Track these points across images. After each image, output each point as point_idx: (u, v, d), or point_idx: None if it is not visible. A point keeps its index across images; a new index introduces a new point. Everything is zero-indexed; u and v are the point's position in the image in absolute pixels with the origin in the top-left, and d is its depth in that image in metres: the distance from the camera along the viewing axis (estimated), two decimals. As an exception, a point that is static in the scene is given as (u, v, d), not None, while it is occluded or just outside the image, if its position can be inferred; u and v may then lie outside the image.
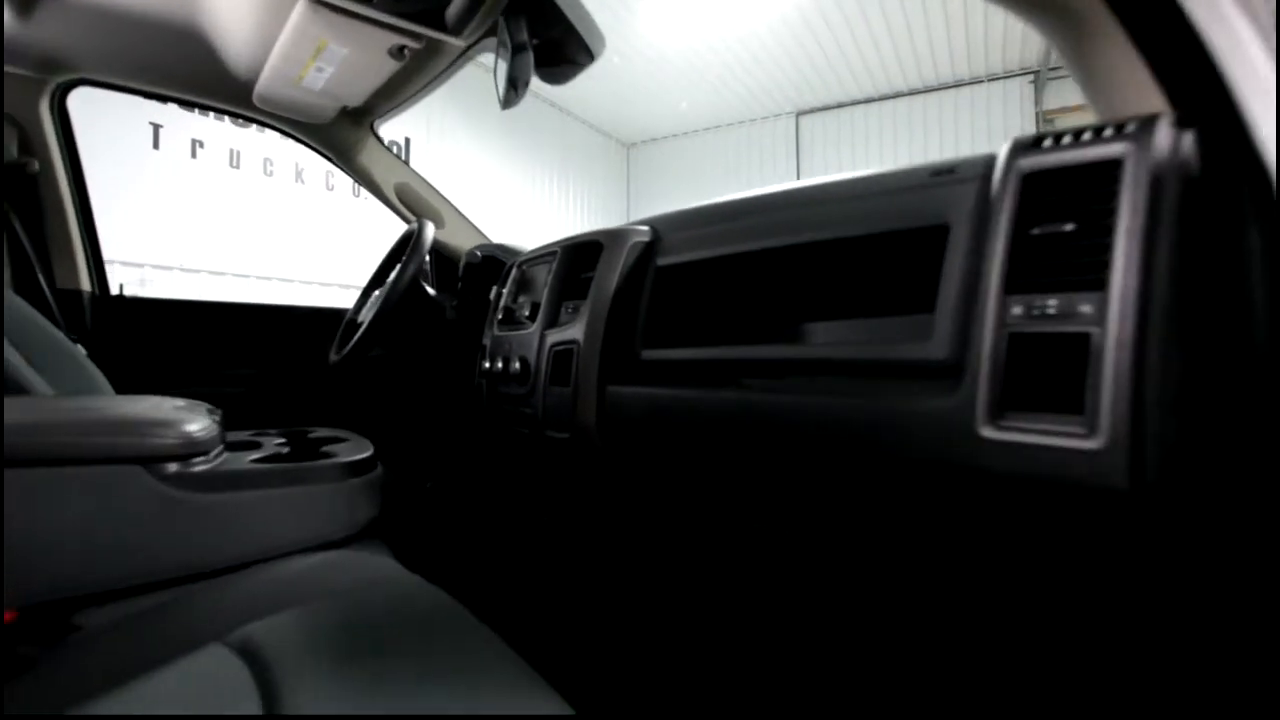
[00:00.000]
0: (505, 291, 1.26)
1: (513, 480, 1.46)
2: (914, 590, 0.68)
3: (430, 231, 1.40)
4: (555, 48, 1.20)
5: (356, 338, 1.35)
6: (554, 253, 1.11)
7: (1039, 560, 0.55)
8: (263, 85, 1.42)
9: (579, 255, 1.07)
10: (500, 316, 1.19)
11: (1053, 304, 0.50)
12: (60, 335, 1.34)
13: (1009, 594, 0.60)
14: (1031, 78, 6.38)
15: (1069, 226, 0.50)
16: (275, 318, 1.78)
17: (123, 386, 1.47)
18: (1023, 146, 0.57)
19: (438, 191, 1.79)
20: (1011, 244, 0.53)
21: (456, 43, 1.25)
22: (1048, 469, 0.49)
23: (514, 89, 1.20)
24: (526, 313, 1.09)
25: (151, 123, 4.04)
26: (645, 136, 8.85)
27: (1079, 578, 0.54)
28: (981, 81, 6.74)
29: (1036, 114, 6.30)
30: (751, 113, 7.99)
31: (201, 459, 0.75)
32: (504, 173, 6.98)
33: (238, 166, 4.46)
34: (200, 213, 4.26)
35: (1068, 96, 6.19)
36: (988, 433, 0.52)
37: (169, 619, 0.65)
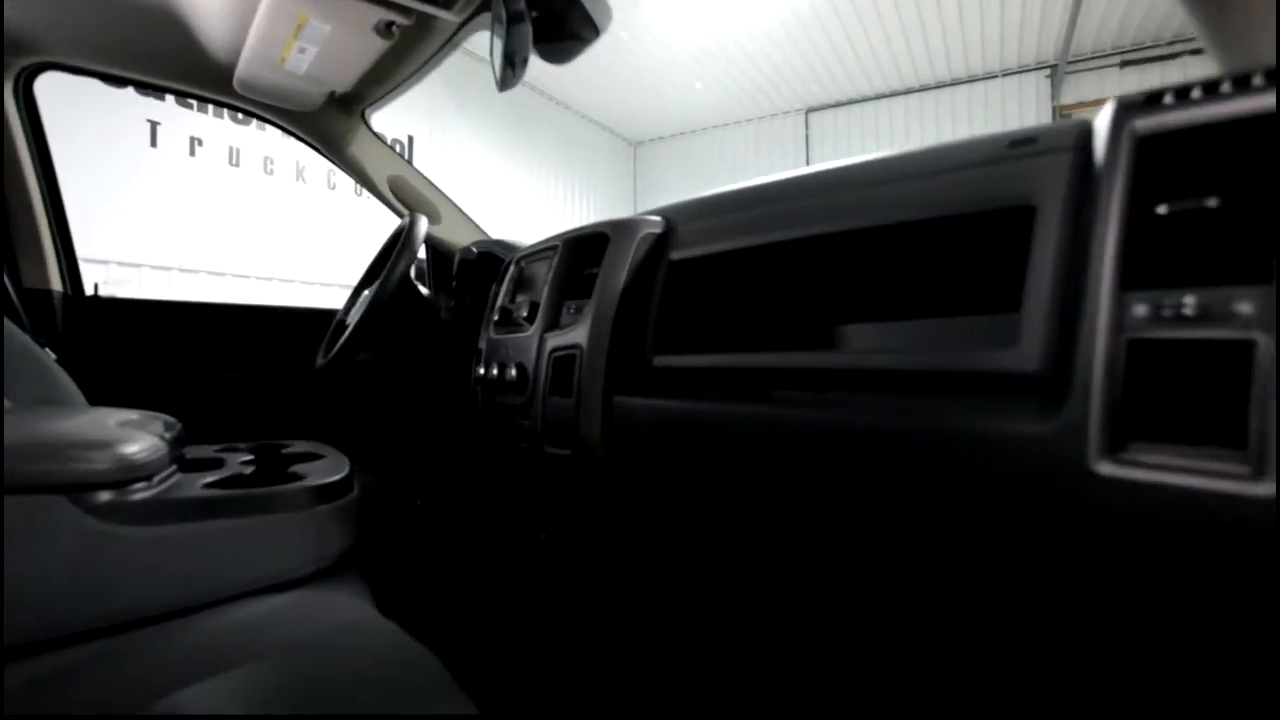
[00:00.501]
0: (502, 290, 1.15)
1: (509, 500, 1.35)
2: (982, 651, 0.56)
3: (423, 226, 1.29)
4: (556, 21, 1.09)
5: (342, 341, 1.24)
6: (555, 247, 1.01)
7: (1168, 627, 0.43)
8: (243, 69, 1.32)
9: (582, 249, 0.96)
10: (497, 318, 1.09)
11: (1191, 301, 0.38)
12: (25, 339, 1.24)
13: (1124, 664, 0.48)
14: (1048, 72, 6.23)
15: (1212, 202, 0.39)
16: (262, 319, 1.68)
17: (96, 393, 1.37)
18: (1132, 106, 0.45)
19: (434, 185, 1.68)
20: (1128, 226, 0.42)
21: (449, 18, 1.14)
22: (1192, 518, 0.37)
23: (511, 68, 1.09)
24: (525, 314, 0.98)
25: (149, 120, 3.96)
26: (652, 134, 8.74)
27: (1223, 645, 0.42)
28: (996, 76, 6.59)
29: (1053, 109, 6.15)
30: (760, 110, 7.87)
31: (142, 485, 0.65)
32: (508, 172, 6.88)
33: (237, 165, 4.37)
34: (199, 212, 4.17)
35: (1085, 91, 6.04)
36: (1105, 469, 0.40)
37: (90, 680, 0.54)
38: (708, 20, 5.80)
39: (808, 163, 7.87)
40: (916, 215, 0.56)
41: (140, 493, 0.65)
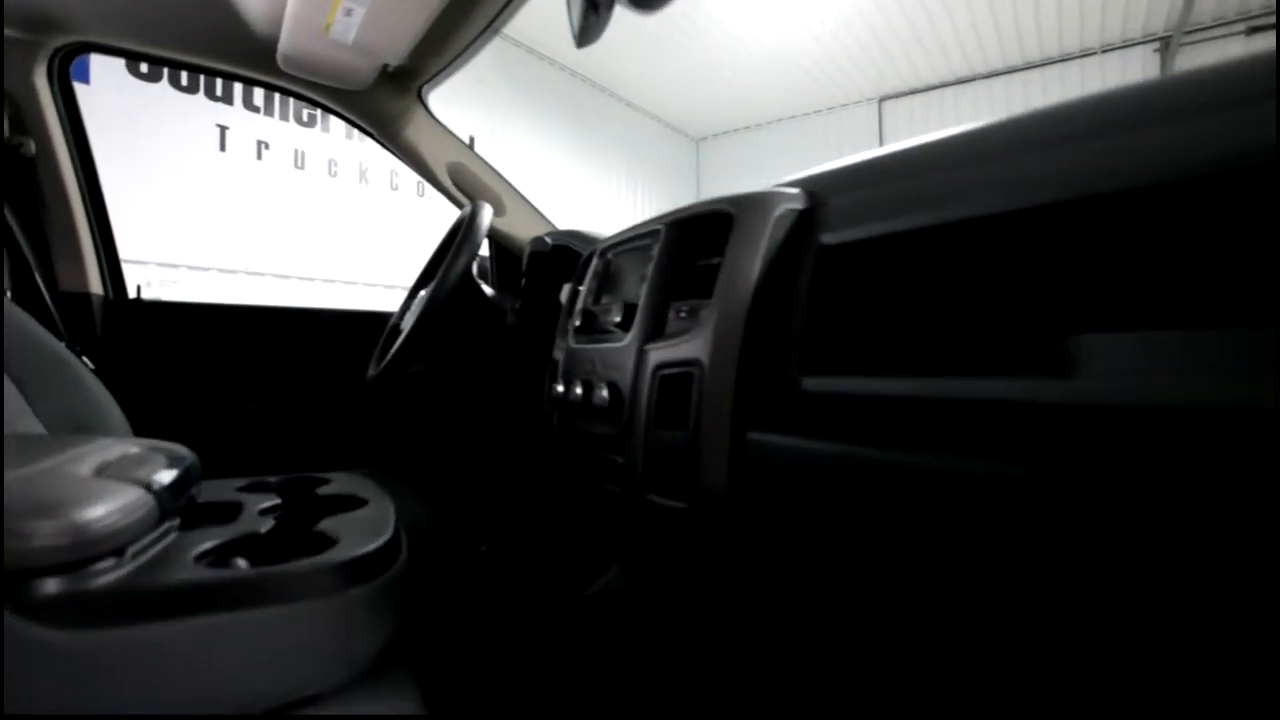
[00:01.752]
0: (584, 289, 0.94)
1: (599, 553, 1.14)
2: None
3: (487, 215, 1.10)
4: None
5: (395, 349, 1.06)
6: (655, 232, 0.79)
7: None
8: (286, 42, 1.16)
9: (694, 234, 0.74)
10: (577, 323, 0.88)
11: None
12: (58, 347, 1.11)
13: None
14: (1156, 45, 5.63)
15: None
16: (313, 323, 1.53)
17: (134, 404, 1.24)
18: None
19: (497, 173, 1.50)
20: None
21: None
22: None
23: (594, 12, 0.88)
24: (616, 319, 0.77)
25: (218, 125, 3.98)
26: (715, 130, 8.46)
27: None
28: (1094, 54, 6.02)
29: (1163, 86, 5.54)
30: (831, 100, 7.49)
31: (109, 563, 0.46)
32: (571, 171, 6.75)
33: (302, 167, 4.37)
34: (265, 215, 4.18)
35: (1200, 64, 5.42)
36: None
37: None
38: (780, 8, 5.50)
39: (880, 154, 7.42)
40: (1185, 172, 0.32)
41: (105, 575, 0.46)
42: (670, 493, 0.67)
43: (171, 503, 0.57)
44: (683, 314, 0.70)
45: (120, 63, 3.59)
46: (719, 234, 0.69)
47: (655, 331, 0.73)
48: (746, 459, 0.61)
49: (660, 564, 0.83)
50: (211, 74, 1.30)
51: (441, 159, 1.44)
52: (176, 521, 0.59)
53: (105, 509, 0.47)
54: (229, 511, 0.68)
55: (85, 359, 1.24)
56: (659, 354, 0.70)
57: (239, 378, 1.43)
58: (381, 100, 1.35)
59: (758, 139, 8.27)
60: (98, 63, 3.49)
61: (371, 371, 1.15)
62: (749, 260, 0.64)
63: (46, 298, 1.21)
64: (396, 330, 1.25)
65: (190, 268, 3.85)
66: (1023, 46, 6.12)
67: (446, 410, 1.44)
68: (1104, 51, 5.97)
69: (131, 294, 1.38)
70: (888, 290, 0.57)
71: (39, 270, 1.21)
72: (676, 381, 0.66)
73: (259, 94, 4.15)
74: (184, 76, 3.82)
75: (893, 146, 0.63)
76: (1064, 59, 6.20)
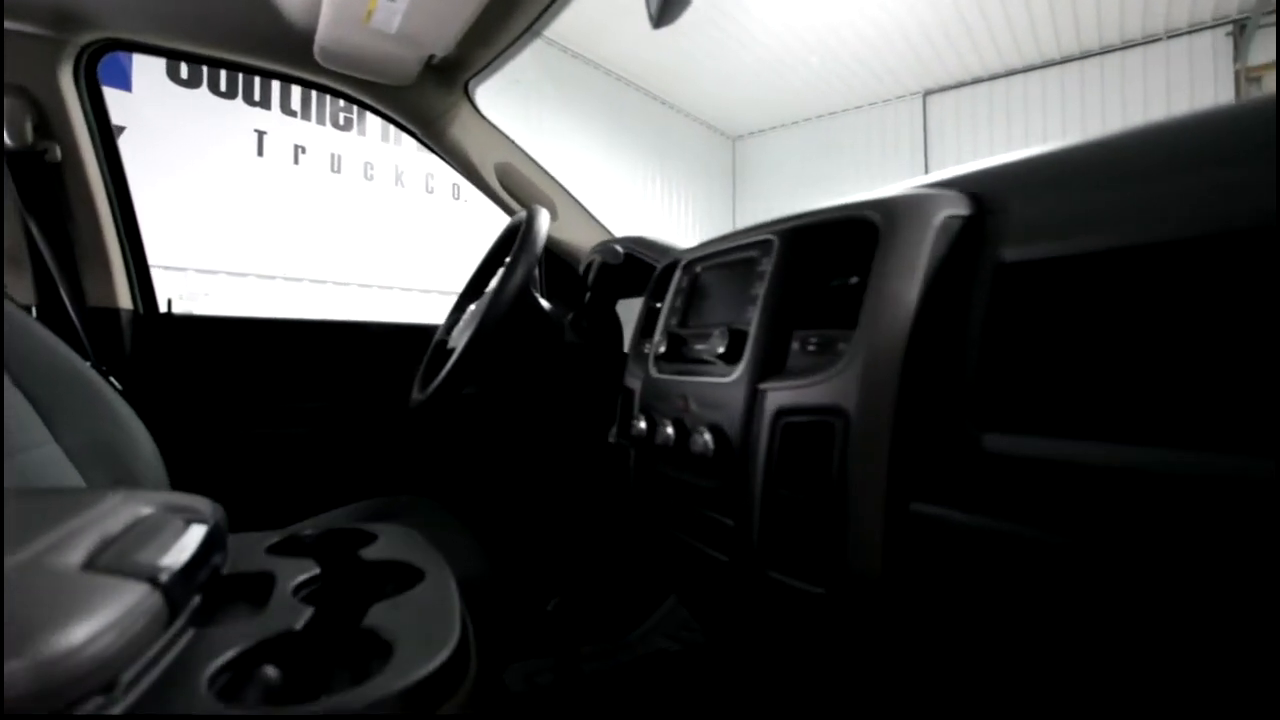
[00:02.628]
0: (666, 307, 0.81)
1: (655, 581, 1.01)
2: None
3: (545, 221, 0.98)
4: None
5: (446, 371, 0.94)
6: (765, 243, 0.65)
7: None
8: (324, 33, 1.05)
9: (820, 247, 0.60)
10: (662, 350, 0.75)
11: None
12: (83, 368, 1.02)
13: None
14: (1229, 29, 5.29)
15: None
16: (352, 337, 1.43)
17: (165, 427, 1.15)
18: None
19: (548, 174, 1.38)
20: None
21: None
22: None
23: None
24: (719, 347, 0.63)
25: (256, 129, 3.96)
26: (752, 128, 8.28)
27: None
28: (1159, 39, 5.69)
29: (1236, 72, 5.21)
30: (872, 95, 7.25)
31: (95, 702, 0.35)
32: (604, 171, 6.64)
33: (339, 171, 4.33)
34: (301, 220, 4.15)
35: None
36: None
37: None
38: (821, 1, 5.32)
39: (925, 151, 7.18)
40: None
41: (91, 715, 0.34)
42: (800, 572, 0.53)
43: (186, 594, 0.45)
44: (811, 347, 0.57)
45: (160, 69, 3.58)
46: (855, 246, 0.55)
47: (773, 367, 0.59)
48: (908, 536, 0.48)
49: (765, 639, 0.69)
50: (246, 70, 1.21)
51: (489, 159, 1.32)
52: (189, 620, 0.47)
53: (93, 628, 0.35)
54: (259, 588, 0.56)
55: (113, 379, 1.16)
56: (782, 396, 0.56)
57: (275, 397, 1.34)
58: (425, 96, 1.24)
59: (796, 136, 8.05)
60: (139, 70, 3.49)
61: (417, 395, 1.04)
62: (904, 280, 0.50)
63: (72, 314, 1.12)
64: (443, 348, 1.14)
65: (229, 273, 3.84)
66: (1080, 33, 5.82)
67: (500, 437, 1.32)
68: (1170, 38, 5.63)
69: (162, 308, 1.30)
70: (1097, 321, 0.43)
71: (65, 285, 1.12)
72: (808, 433, 0.53)
73: (296, 98, 4.12)
74: (223, 81, 3.80)
75: (1082, 140, 0.49)
76: (1125, 46, 5.87)
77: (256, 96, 3.95)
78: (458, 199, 5.01)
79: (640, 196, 7.21)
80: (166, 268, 3.54)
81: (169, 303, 1.30)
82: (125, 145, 3.41)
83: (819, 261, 0.60)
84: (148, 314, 1.27)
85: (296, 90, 4.10)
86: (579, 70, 6.25)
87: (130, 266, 1.24)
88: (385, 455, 1.38)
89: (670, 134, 7.52)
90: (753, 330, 0.62)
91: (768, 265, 0.64)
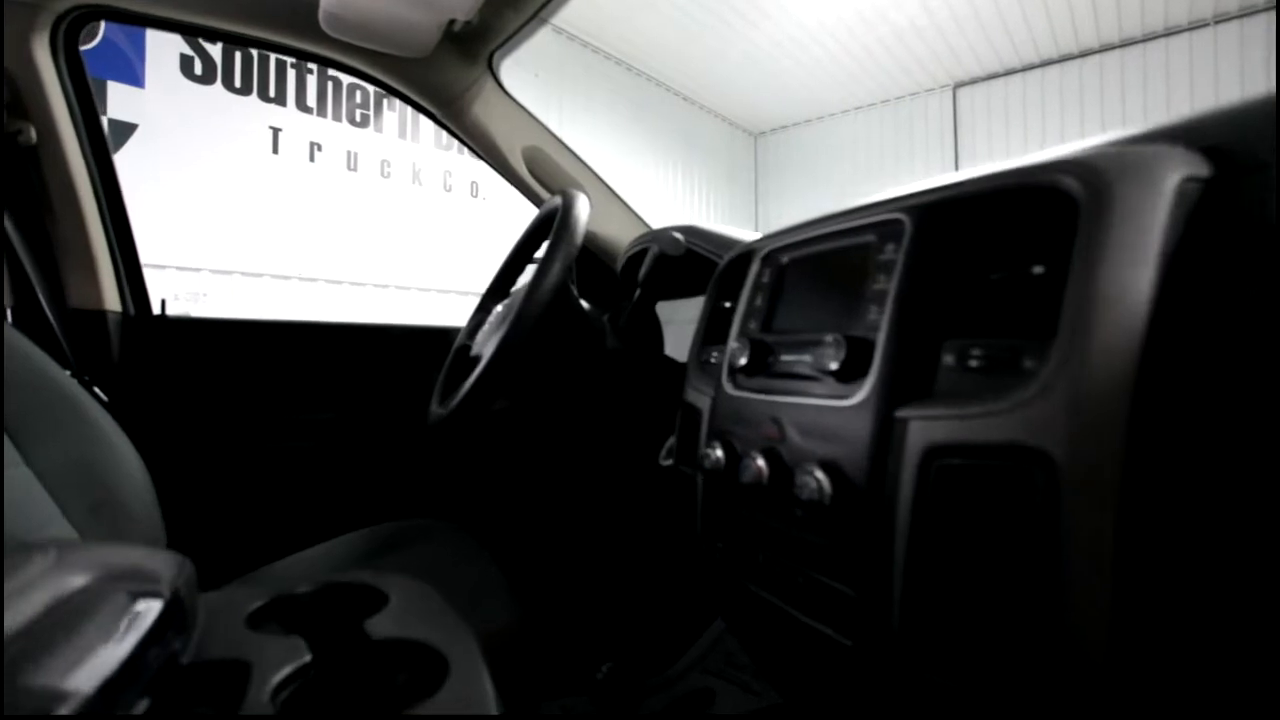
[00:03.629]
0: (742, 309, 0.66)
1: (696, 601, 0.87)
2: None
3: (584, 207, 0.84)
4: None
5: (472, 381, 0.80)
6: (889, 224, 0.50)
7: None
8: (330, -5, 0.92)
9: (972, 224, 0.45)
10: (743, 360, 0.60)
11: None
12: (61, 377, 0.89)
13: None
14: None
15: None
16: (366, 341, 1.30)
17: (156, 442, 1.02)
18: None
19: (581, 161, 1.23)
20: None
21: None
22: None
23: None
24: (833, 362, 0.48)
25: (271, 126, 3.86)
26: (775, 124, 8.09)
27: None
28: (1205, 25, 5.43)
29: (1291, 59, 4.94)
30: (900, 89, 7.03)
31: None
32: (623, 168, 6.50)
33: (355, 169, 4.23)
34: (317, 218, 4.05)
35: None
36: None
37: None
38: (848, -14, 5.14)
39: (956, 147, 6.94)
40: None
41: None
42: (967, 667, 0.38)
43: (124, 702, 0.31)
44: (974, 363, 0.41)
45: (174, 65, 3.50)
46: (1032, 224, 0.40)
47: (912, 388, 0.44)
48: (1152, 639, 0.32)
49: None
50: (243, 42, 1.08)
51: (516, 142, 1.18)
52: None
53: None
54: (228, 684, 0.42)
55: (97, 389, 1.03)
56: (932, 429, 0.41)
57: (280, 408, 1.21)
58: (445, 70, 1.10)
59: (820, 132, 7.85)
60: (152, 66, 3.40)
61: (436, 409, 0.90)
62: (1129, 271, 0.35)
63: (51, 317, 1.00)
64: (465, 355, 1.00)
65: (244, 274, 3.75)
66: (1121, 20, 5.58)
67: (532, 456, 1.18)
68: (1217, 23, 5.37)
69: (155, 310, 1.17)
70: None
71: (42, 284, 1.00)
72: (978, 479, 0.38)
73: (312, 95, 4.02)
74: (237, 77, 3.71)
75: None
76: (1169, 33, 5.61)
77: (271, 92, 3.86)
78: (475, 196, 4.89)
79: (660, 194, 7.06)
80: (181, 268, 3.45)
81: (162, 304, 1.17)
82: (138, 143, 3.33)
83: (969, 246, 0.44)
84: (138, 316, 1.14)
85: (312, 86, 4.01)
86: (598, 64, 6.12)
87: (118, 263, 1.11)
88: (401, 473, 1.24)
89: (691, 130, 7.36)
90: (881, 338, 0.46)
91: (894, 253, 0.48)
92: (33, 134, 0.97)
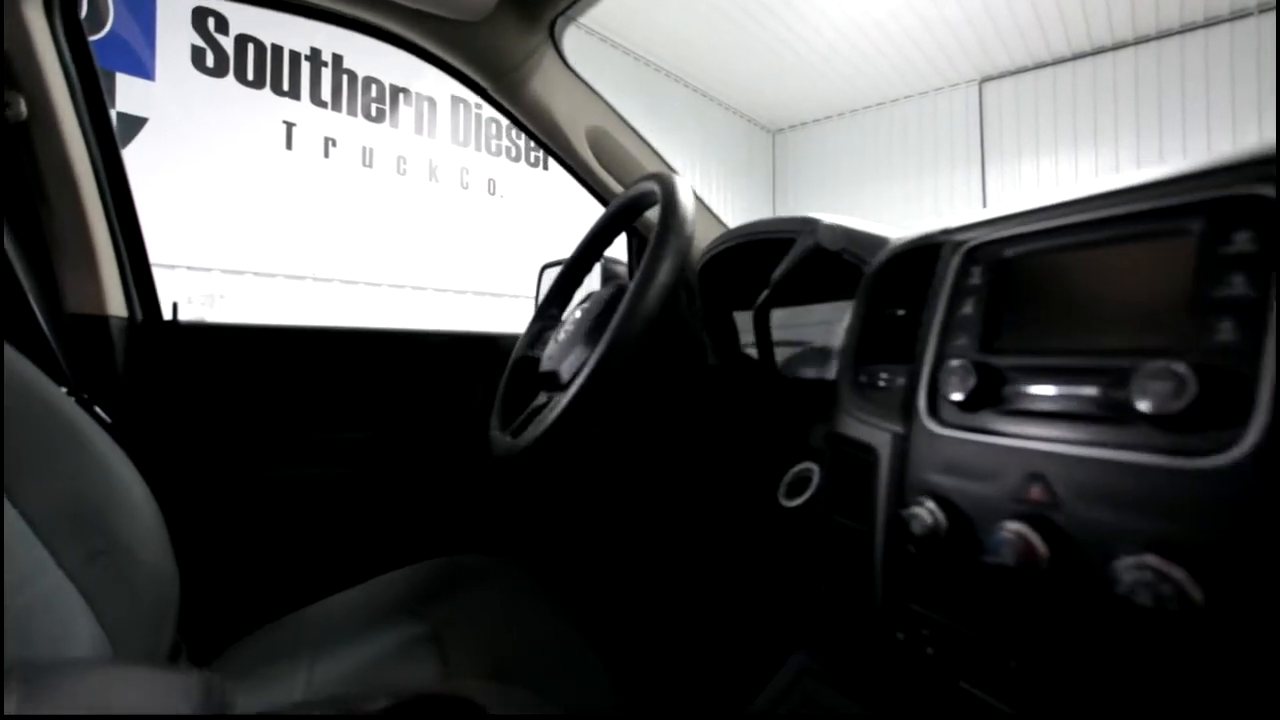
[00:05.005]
0: (938, 320, 0.50)
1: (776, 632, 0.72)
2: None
3: (688, 195, 0.68)
4: None
5: (564, 406, 0.63)
6: (1238, 203, 0.34)
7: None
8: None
9: None
10: (964, 389, 0.44)
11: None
12: (56, 396, 0.74)
13: None
14: (1333, 3, 4.82)
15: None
16: (403, 350, 1.14)
17: (165, 470, 0.88)
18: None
19: (651, 147, 1.08)
20: None
21: None
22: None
23: None
24: (1175, 402, 0.32)
25: (285, 121, 3.72)
26: (794, 120, 7.91)
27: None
28: (1248, 14, 5.22)
29: (1343, 50, 4.73)
30: (925, 84, 6.84)
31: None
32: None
33: (370, 165, 4.09)
34: (331, 216, 3.91)
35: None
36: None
37: None
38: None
39: (981, 144, 6.75)
40: None
41: None
42: None
43: None
44: None
45: (185, 56, 3.36)
46: None
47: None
48: None
49: None
50: (270, 5, 0.92)
51: (580, 122, 1.03)
52: None
53: None
54: None
55: (98, 409, 0.88)
56: None
57: (311, 427, 1.06)
58: (502, 36, 0.95)
59: (841, 129, 7.67)
60: (162, 57, 3.27)
61: (505, 437, 0.74)
62: None
63: (43, 324, 0.85)
64: (527, 367, 0.84)
65: (256, 274, 3.61)
66: (1159, 10, 5.37)
67: (614, 490, 1.02)
68: (1261, 12, 5.16)
69: (166, 314, 1.02)
70: None
71: (34, 284, 0.85)
72: None
73: (326, 89, 3.88)
74: (250, 70, 3.57)
75: None
76: (1209, 23, 5.41)
77: (285, 86, 3.72)
78: (493, 194, 4.74)
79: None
80: (191, 268, 3.31)
81: (174, 307, 1.02)
82: (148, 137, 3.19)
83: None
84: (146, 322, 0.99)
85: (327, 80, 3.87)
86: (614, 57, 5.96)
87: (124, 259, 0.96)
88: (447, 501, 1.09)
89: (707, 127, 7.19)
90: (1270, 366, 0.31)
91: (1252, 244, 0.33)
92: (22, 107, 0.82)
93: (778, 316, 0.95)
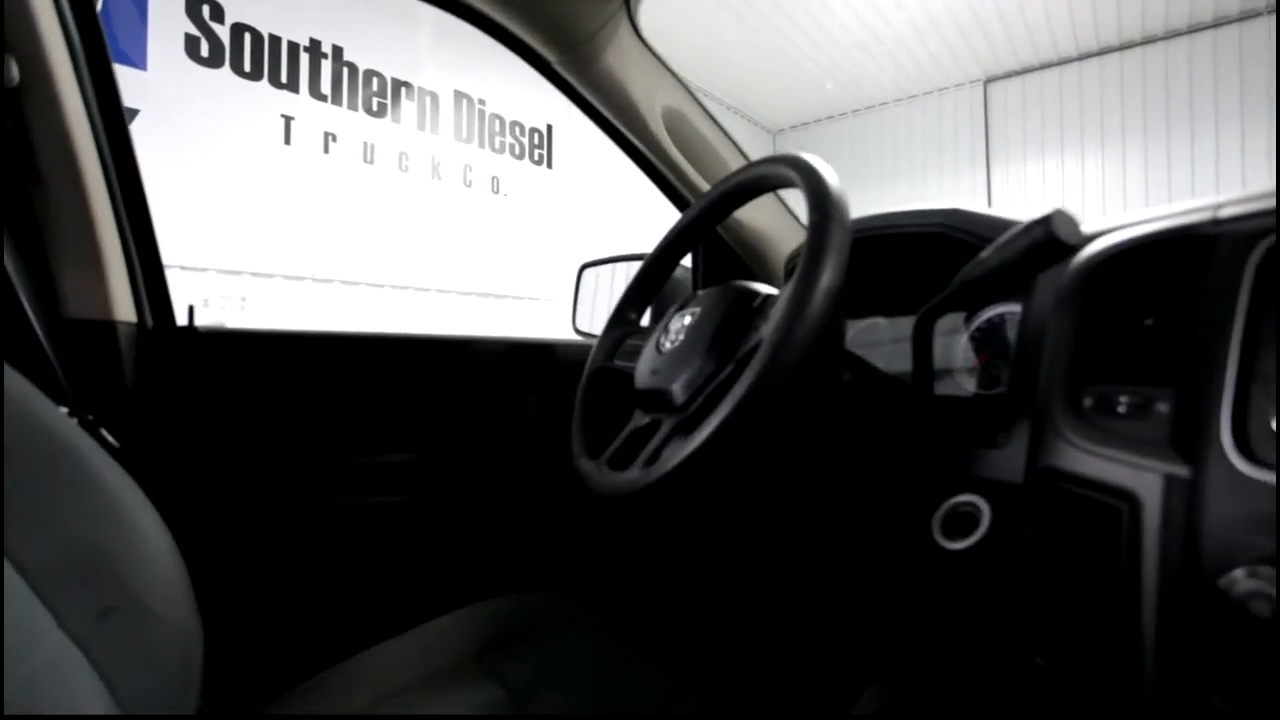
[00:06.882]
0: (1237, 328, 0.38)
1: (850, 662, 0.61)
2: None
3: (838, 181, 0.57)
4: None
5: (707, 436, 0.50)
6: None
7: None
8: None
9: None
10: None
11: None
12: (54, 419, 0.60)
13: None
14: (1345, 4, 4.79)
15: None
16: (447, 358, 1.02)
17: (184, 503, 0.75)
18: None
19: (728, 135, 0.96)
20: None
21: None
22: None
23: None
24: None
25: (283, 115, 3.57)
26: (794, 120, 7.83)
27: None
28: (1258, 14, 5.19)
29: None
30: (929, 84, 6.78)
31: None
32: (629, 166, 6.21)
33: (371, 161, 3.94)
34: (332, 214, 3.77)
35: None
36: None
37: None
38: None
39: (987, 145, 6.68)
40: None
41: None
42: None
43: None
44: None
45: (179, 45, 3.20)
46: None
47: None
48: None
49: None
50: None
51: (655, 102, 0.91)
52: None
53: None
54: None
55: (105, 432, 0.75)
56: None
57: (347, 447, 0.93)
58: (570, 13, 0.83)
59: (843, 129, 7.60)
60: (154, 46, 3.11)
61: (595, 468, 0.62)
62: None
63: (40, 332, 0.72)
64: (605, 379, 0.72)
65: (253, 274, 3.46)
66: (1169, 9, 5.33)
67: (742, 532, 0.89)
68: (1269, 12, 5.13)
69: (181, 320, 0.89)
70: None
71: (27, 286, 0.72)
72: None
73: (326, 82, 3.73)
74: (247, 61, 3.42)
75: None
76: (1218, 23, 5.37)
77: (284, 78, 3.57)
78: (496, 193, 4.61)
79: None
80: (184, 268, 3.16)
81: (190, 311, 0.89)
82: (138, 130, 3.03)
83: None
84: (158, 329, 0.86)
85: (327, 73, 3.72)
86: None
87: (132, 255, 0.83)
88: (507, 531, 0.96)
89: (711, 126, 7.08)
90: None
91: None
92: (15, 71, 0.69)
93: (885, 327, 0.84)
